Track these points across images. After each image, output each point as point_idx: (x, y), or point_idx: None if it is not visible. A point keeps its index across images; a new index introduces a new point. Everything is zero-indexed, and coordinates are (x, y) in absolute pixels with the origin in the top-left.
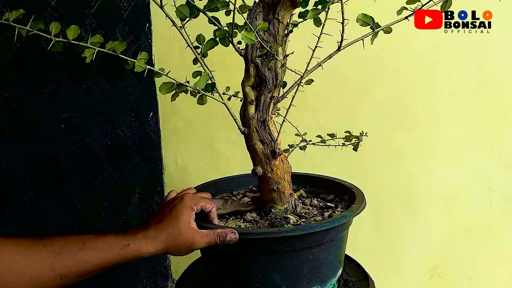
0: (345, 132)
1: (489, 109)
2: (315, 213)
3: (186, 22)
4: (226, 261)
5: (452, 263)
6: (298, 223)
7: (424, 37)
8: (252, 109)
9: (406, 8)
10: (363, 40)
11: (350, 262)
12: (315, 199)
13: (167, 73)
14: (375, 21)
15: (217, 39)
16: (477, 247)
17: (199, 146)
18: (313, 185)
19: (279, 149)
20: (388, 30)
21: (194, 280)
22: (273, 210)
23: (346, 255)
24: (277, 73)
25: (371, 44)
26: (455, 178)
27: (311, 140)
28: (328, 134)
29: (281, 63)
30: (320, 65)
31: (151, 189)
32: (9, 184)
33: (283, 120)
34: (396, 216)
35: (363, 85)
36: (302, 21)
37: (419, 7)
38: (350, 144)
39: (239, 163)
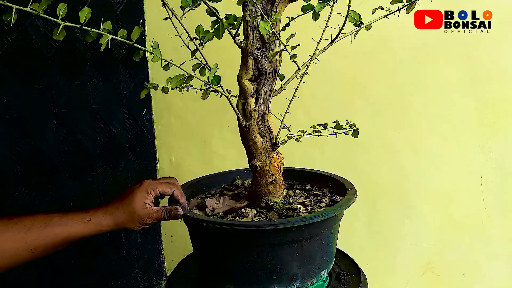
0: (333, 122)
1: (482, 107)
2: (312, 201)
3: (186, 12)
4: (239, 254)
5: (445, 259)
6: (308, 210)
7: (424, 37)
8: (252, 102)
9: (382, 8)
10: (351, 35)
11: (343, 257)
12: (297, 190)
13: (181, 65)
14: (361, 19)
15: (213, 30)
16: (470, 243)
17: (192, 143)
18: (288, 177)
19: (277, 141)
20: (368, 27)
21: (186, 275)
22: (270, 203)
23: (338, 249)
24: (275, 66)
25: (353, 39)
26: (448, 175)
27: (306, 131)
28: (318, 124)
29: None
30: (316, 57)
31: None
32: (0, 180)
33: (285, 112)
34: (390, 212)
35: (358, 82)
36: (301, 15)
37: (401, 7)
38: (343, 132)
39: (233, 160)
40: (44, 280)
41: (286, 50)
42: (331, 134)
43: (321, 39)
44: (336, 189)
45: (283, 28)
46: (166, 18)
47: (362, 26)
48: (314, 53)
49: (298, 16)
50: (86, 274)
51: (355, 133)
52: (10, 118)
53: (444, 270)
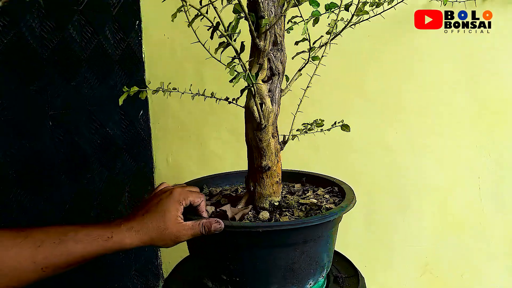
0: (314, 120)
1: (480, 107)
2: (314, 196)
3: (225, 7)
4: (285, 255)
5: (443, 260)
6: (327, 203)
7: (421, 36)
8: (269, 102)
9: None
10: (329, 44)
11: (341, 259)
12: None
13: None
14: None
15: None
16: (468, 244)
17: (190, 144)
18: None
19: (287, 141)
20: (340, 35)
21: (183, 277)
22: (275, 204)
23: (336, 251)
24: (284, 67)
25: (329, 48)
26: (446, 175)
27: (303, 129)
28: (305, 123)
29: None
30: (311, 58)
31: (141, 188)
32: None
33: (296, 111)
34: (387, 213)
35: (356, 81)
36: (307, 20)
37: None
38: (327, 129)
39: (230, 160)
40: (39, 282)
41: (309, 51)
42: (317, 132)
43: (329, 39)
44: (311, 183)
45: (287, 30)
46: (179, 10)
47: (334, 36)
48: (322, 55)
49: (301, 21)
50: (82, 276)
51: (344, 128)
52: (6, 120)
53: (442, 271)
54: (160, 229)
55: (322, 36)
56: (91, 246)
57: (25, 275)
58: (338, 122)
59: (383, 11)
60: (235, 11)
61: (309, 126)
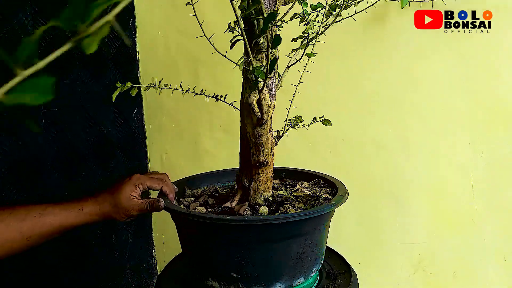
0: (294, 117)
1: (478, 106)
2: (305, 188)
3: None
4: (296, 245)
5: (436, 258)
6: (320, 194)
7: (421, 36)
8: (268, 97)
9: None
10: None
11: (333, 255)
12: None
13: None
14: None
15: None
16: (461, 241)
17: (184, 143)
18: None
19: (282, 135)
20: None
21: (175, 274)
22: (270, 199)
23: (329, 248)
24: (277, 63)
25: (311, 56)
26: (438, 173)
27: (289, 124)
28: (288, 119)
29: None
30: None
31: None
32: None
33: (290, 106)
34: (381, 210)
35: (350, 79)
36: (295, 18)
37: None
38: (307, 126)
39: (224, 159)
40: (34, 281)
41: (304, 48)
42: (299, 127)
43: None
44: (291, 177)
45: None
46: (187, 3)
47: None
48: (311, 51)
49: (291, 19)
50: (76, 275)
51: (326, 122)
52: None
53: (436, 269)
54: (115, 204)
55: (317, 33)
56: (67, 218)
57: (14, 245)
58: (320, 117)
59: (363, 10)
60: (241, 7)
61: (294, 122)
